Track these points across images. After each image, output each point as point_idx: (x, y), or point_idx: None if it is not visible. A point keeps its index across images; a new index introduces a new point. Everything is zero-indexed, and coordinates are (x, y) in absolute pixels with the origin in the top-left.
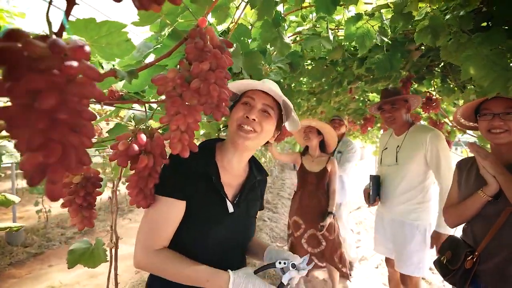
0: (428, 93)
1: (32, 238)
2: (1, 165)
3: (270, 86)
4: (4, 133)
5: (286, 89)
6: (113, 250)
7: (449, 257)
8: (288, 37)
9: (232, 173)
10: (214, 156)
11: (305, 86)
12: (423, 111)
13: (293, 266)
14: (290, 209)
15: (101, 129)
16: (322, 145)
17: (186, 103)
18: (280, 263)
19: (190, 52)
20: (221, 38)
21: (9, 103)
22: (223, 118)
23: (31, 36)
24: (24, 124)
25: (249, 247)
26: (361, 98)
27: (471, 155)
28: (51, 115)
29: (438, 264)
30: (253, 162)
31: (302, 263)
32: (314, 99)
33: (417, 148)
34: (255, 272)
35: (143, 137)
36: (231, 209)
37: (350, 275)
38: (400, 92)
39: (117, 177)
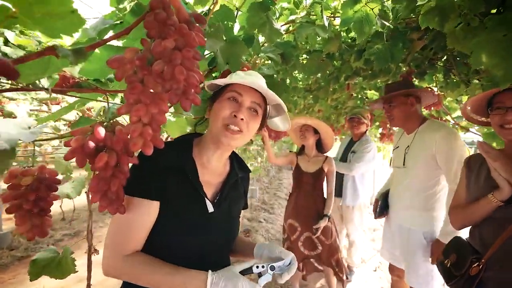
0: (429, 89)
1: (18, 240)
2: None
3: (261, 83)
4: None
5: (280, 84)
6: (88, 258)
7: (454, 260)
8: (281, 26)
9: (211, 170)
10: (191, 152)
11: (301, 82)
12: (424, 108)
13: (272, 268)
14: (285, 211)
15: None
16: (319, 145)
17: (150, 90)
18: (257, 267)
19: (151, 26)
20: (191, 11)
21: None
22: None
23: None
24: None
25: (235, 247)
26: (359, 96)
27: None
28: None
29: (441, 267)
30: (234, 158)
31: (282, 265)
32: (311, 96)
33: (425, 149)
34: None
35: (101, 131)
36: (210, 209)
37: (348, 280)
38: (403, 85)
39: (90, 176)
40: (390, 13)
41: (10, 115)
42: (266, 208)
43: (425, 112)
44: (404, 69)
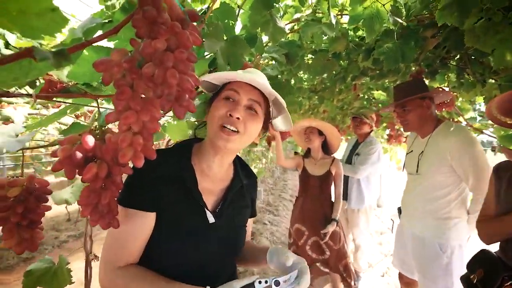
0: (441, 89)
1: None
2: None
3: (257, 78)
4: None
5: (285, 85)
6: (88, 267)
7: (481, 276)
8: (286, 24)
9: (212, 177)
10: (190, 158)
11: (306, 83)
12: (435, 109)
13: (277, 283)
14: (292, 216)
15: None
16: (325, 147)
17: (140, 95)
18: (260, 282)
19: (139, 25)
20: (185, 8)
21: None
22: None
23: None
24: None
25: (245, 255)
26: (366, 96)
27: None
28: None
29: (466, 282)
30: (239, 164)
31: (289, 279)
32: (316, 97)
33: (440, 155)
34: None
35: (90, 141)
36: (211, 219)
37: (355, 286)
38: (415, 86)
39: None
40: (403, 9)
41: (7, 119)
42: (271, 210)
43: (437, 113)
44: (414, 68)
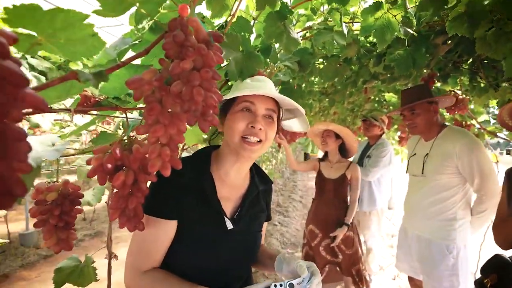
0: (453, 93)
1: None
2: None
3: (272, 89)
4: None
5: (296, 90)
6: (109, 265)
7: (495, 281)
8: (298, 32)
9: (230, 185)
10: (208, 167)
11: (316, 86)
12: (447, 112)
13: (291, 286)
14: (307, 217)
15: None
16: (343, 150)
17: (168, 110)
18: (275, 286)
19: (169, 47)
20: (209, 30)
21: None
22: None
23: None
24: None
25: (257, 258)
26: (377, 98)
27: (501, 158)
28: None
29: (480, 286)
30: (255, 170)
31: (302, 282)
32: (327, 100)
33: (446, 159)
34: None
35: (118, 151)
36: (229, 225)
37: None
38: (423, 92)
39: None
40: (414, 20)
41: (36, 126)
42: (281, 211)
43: (448, 116)
44: (425, 71)
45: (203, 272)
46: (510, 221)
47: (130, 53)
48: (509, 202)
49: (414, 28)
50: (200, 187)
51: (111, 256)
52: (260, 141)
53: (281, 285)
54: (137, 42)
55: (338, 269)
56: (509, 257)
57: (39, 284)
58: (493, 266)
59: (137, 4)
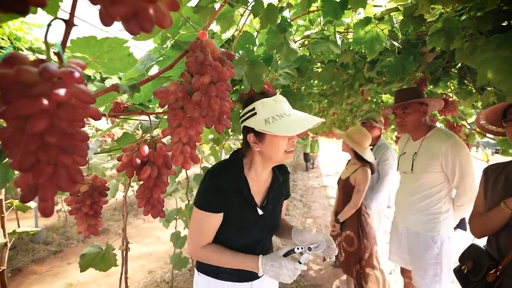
0: (444, 95)
1: (52, 236)
2: (3, 188)
3: (312, 120)
4: None
5: (296, 93)
6: (124, 252)
7: (471, 267)
8: (297, 41)
9: (259, 182)
10: (243, 172)
11: (315, 88)
12: (439, 114)
13: (309, 249)
14: None
15: (114, 134)
16: (357, 153)
17: (188, 115)
18: (298, 248)
19: (191, 65)
20: (222, 49)
21: (5, 125)
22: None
23: (29, 60)
24: (17, 145)
25: (281, 230)
26: (374, 100)
27: (491, 158)
28: (41, 138)
29: (458, 273)
30: (276, 166)
31: (318, 247)
32: (326, 101)
33: (433, 158)
34: (284, 255)
35: (146, 149)
36: (260, 212)
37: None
38: (416, 93)
39: (127, 183)
40: (399, 33)
41: None
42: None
43: (440, 117)
44: (418, 74)
45: (244, 246)
46: (485, 215)
47: (154, 67)
48: (485, 198)
49: (403, 38)
50: (238, 188)
51: (127, 244)
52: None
53: (302, 247)
54: (161, 58)
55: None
56: (483, 246)
57: (51, 277)
58: (469, 254)
59: (163, 29)
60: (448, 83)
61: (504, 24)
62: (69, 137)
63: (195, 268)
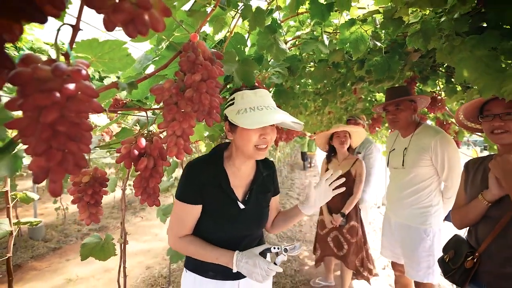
0: (433, 93)
1: (51, 233)
2: (12, 176)
3: (279, 116)
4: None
5: (288, 92)
6: (123, 245)
7: (452, 256)
8: (288, 41)
9: (240, 176)
10: (222, 164)
11: (310, 87)
12: (429, 111)
13: (285, 250)
14: (319, 210)
15: (112, 131)
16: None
17: (182, 110)
18: (274, 248)
19: (184, 64)
20: (212, 50)
21: (22, 116)
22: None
23: (42, 60)
24: (32, 133)
25: (284, 219)
26: (368, 98)
27: (480, 155)
28: (53, 127)
29: (441, 262)
30: (260, 160)
31: (293, 249)
32: (320, 99)
33: (423, 152)
34: (260, 253)
35: (143, 142)
36: (241, 206)
37: (373, 275)
38: (406, 91)
39: (125, 177)
40: (382, 34)
41: None
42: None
43: (431, 115)
44: (408, 73)
45: (227, 240)
46: (464, 206)
47: (151, 66)
48: (465, 190)
49: (390, 38)
50: (217, 181)
51: (125, 236)
52: (267, 146)
53: (278, 248)
54: (157, 58)
55: (340, 261)
56: (465, 236)
57: (50, 273)
58: (451, 245)
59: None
60: (437, 81)
61: (483, 24)
62: (76, 126)
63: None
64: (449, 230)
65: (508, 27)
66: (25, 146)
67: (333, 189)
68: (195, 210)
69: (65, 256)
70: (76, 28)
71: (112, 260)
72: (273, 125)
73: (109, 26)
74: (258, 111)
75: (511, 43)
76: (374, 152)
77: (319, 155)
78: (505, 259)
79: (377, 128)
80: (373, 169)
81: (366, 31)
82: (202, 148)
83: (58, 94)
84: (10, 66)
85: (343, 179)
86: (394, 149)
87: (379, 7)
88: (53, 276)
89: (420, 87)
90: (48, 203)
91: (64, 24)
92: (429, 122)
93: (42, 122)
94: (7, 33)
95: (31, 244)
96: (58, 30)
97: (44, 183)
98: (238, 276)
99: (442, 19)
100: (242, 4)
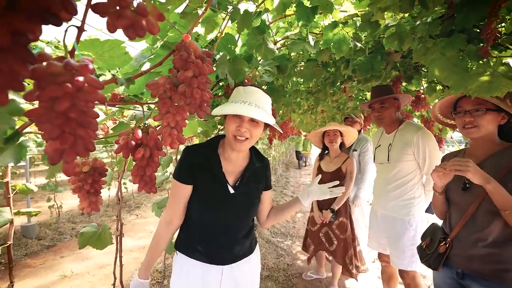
0: (418, 92)
1: (45, 231)
2: (17, 165)
3: (252, 112)
4: (28, 129)
5: (279, 90)
6: (118, 237)
7: (428, 242)
8: (278, 41)
9: (232, 163)
10: (217, 150)
11: (302, 86)
12: (414, 110)
13: None
14: (311, 207)
15: (108, 127)
16: (340, 145)
17: (175, 104)
18: None
19: (177, 62)
20: (203, 49)
21: (37, 106)
22: (218, 117)
23: (53, 57)
24: (47, 121)
25: (281, 211)
26: (359, 97)
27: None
28: (65, 115)
29: (419, 248)
30: (253, 152)
31: None
32: (312, 98)
33: (406, 147)
34: None
35: (139, 133)
36: (231, 191)
37: (360, 272)
38: (390, 90)
39: (121, 170)
40: (362, 36)
41: None
42: (273, 205)
43: (416, 113)
44: (395, 73)
45: (213, 225)
46: (440, 197)
47: (147, 63)
48: None
49: (373, 39)
50: (209, 165)
51: (121, 226)
52: (246, 138)
53: None
54: (152, 56)
55: (330, 256)
56: (441, 224)
57: (45, 270)
58: (429, 233)
59: None
60: (420, 80)
61: (453, 28)
62: (85, 114)
63: None
64: (432, 220)
65: (475, 30)
66: (27, 139)
67: (330, 189)
68: (187, 190)
69: (60, 253)
70: (81, 29)
71: (106, 256)
72: (255, 121)
73: (111, 29)
74: (238, 104)
75: (475, 47)
76: (370, 149)
77: (314, 154)
78: (473, 242)
79: (368, 126)
80: (368, 166)
81: (347, 32)
82: None
83: (70, 86)
84: (32, 61)
85: (337, 182)
86: (379, 145)
87: (358, 11)
88: (48, 273)
89: (406, 86)
90: (41, 201)
91: (71, 25)
92: (415, 120)
93: (56, 110)
94: (31, 34)
95: (24, 242)
96: (66, 30)
97: (33, 183)
98: (223, 262)
99: (417, 23)
100: (231, 7)
